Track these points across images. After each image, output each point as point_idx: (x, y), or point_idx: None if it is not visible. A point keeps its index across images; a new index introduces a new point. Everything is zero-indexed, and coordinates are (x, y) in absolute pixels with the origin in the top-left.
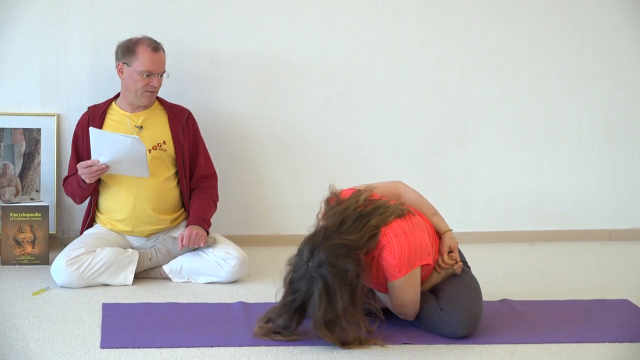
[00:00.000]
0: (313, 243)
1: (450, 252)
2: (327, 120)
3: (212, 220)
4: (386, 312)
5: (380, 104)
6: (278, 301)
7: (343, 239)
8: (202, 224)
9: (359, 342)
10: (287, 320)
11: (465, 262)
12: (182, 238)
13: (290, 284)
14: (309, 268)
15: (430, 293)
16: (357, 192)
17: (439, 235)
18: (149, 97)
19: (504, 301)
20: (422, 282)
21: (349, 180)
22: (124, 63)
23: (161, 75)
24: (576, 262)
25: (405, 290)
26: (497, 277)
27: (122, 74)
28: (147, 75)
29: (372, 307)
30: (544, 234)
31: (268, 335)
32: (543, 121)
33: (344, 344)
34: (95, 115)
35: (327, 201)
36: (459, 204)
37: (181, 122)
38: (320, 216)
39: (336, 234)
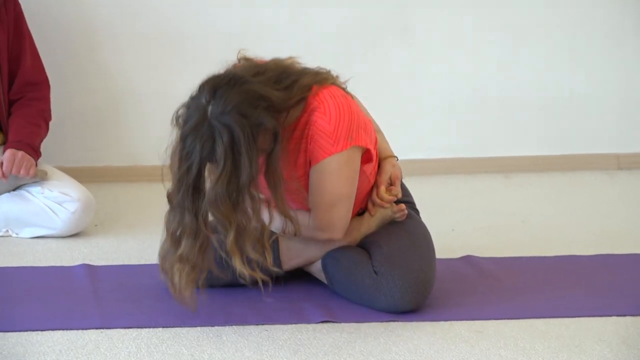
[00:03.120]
0: (217, 81)
1: (390, 185)
2: None
3: (42, 147)
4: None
5: None
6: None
7: (264, 90)
8: (27, 150)
9: (252, 277)
10: (192, 214)
11: (411, 204)
12: (1, 164)
13: (183, 141)
14: (208, 114)
15: (361, 248)
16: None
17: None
18: None
19: (467, 258)
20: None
21: None
22: None
23: None
24: (570, 202)
25: (341, 177)
26: (456, 225)
27: None
28: None
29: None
30: (524, 161)
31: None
32: None
33: (238, 239)
34: None
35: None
36: (404, 118)
37: None
38: None
39: (253, 83)
